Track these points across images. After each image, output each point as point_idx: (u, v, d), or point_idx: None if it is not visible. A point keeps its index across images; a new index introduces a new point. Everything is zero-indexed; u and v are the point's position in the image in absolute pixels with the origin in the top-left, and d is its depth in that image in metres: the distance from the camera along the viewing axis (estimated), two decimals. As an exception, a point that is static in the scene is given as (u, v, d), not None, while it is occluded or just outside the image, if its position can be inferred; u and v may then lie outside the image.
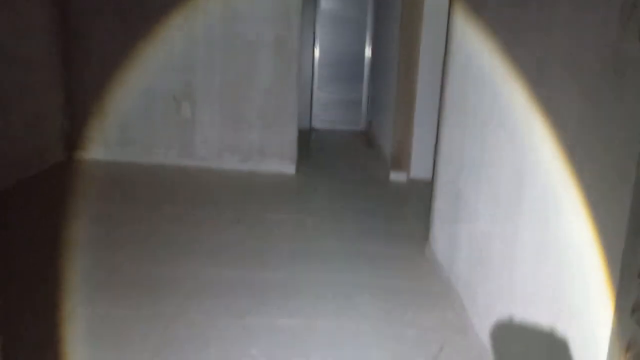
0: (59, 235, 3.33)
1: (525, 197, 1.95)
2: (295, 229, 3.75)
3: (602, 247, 1.43)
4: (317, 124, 7.79)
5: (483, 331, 2.31)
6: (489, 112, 2.40)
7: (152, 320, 2.46)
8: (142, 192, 4.36)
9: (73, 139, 5.07)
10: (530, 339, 1.85)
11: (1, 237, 3.20)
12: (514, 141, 2.10)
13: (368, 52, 7.55)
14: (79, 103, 5.05)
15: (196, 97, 5.06)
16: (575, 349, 1.54)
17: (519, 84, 2.06)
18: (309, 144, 6.92)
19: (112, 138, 5.11)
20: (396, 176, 5.13)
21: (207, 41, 4.94)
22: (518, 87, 2.07)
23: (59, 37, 4.85)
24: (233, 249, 3.32)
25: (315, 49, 7.53)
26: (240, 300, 2.70)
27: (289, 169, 5.15)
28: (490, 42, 2.41)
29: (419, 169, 5.07)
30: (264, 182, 4.87)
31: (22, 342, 2.21)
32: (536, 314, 1.82)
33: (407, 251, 3.48)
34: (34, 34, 4.53)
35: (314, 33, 7.47)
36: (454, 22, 3.03)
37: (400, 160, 5.14)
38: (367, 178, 5.30)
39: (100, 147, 5.11)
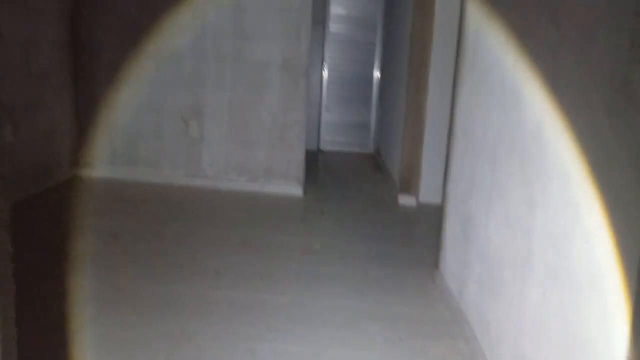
0: (65, 253, 3.30)
1: (537, 220, 1.91)
2: (302, 252, 3.70)
3: (619, 274, 1.38)
4: (325, 145, 7.78)
5: (495, 361, 2.24)
6: (498, 135, 2.36)
7: (158, 342, 2.42)
8: (149, 211, 4.33)
9: (81, 156, 5.08)
10: (545, 371, 1.79)
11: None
12: (524, 164, 2.06)
13: (377, 74, 7.57)
14: (87, 120, 5.06)
15: (204, 115, 5.06)
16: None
17: (529, 107, 2.03)
18: (317, 165, 6.90)
19: (119, 156, 5.11)
20: (405, 200, 5.08)
21: (216, 59, 4.96)
22: (528, 110, 2.04)
23: (69, 53, 4.89)
24: (239, 271, 3.28)
25: (323, 71, 7.56)
26: (246, 325, 2.64)
27: (296, 190, 5.12)
28: (501, 65, 2.39)
29: (428, 192, 5.02)
30: (270, 204, 4.84)
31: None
32: (548, 344, 1.76)
33: (416, 277, 3.42)
34: (46, 49, 4.57)
35: (322, 54, 7.52)
36: (464, 47, 3.02)
37: (409, 184, 5.10)
38: (375, 201, 5.25)
39: (107, 165, 5.11)
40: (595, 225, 1.52)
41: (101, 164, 5.11)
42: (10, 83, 4.11)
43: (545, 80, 1.92)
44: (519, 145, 2.14)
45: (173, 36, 4.93)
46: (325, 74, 7.59)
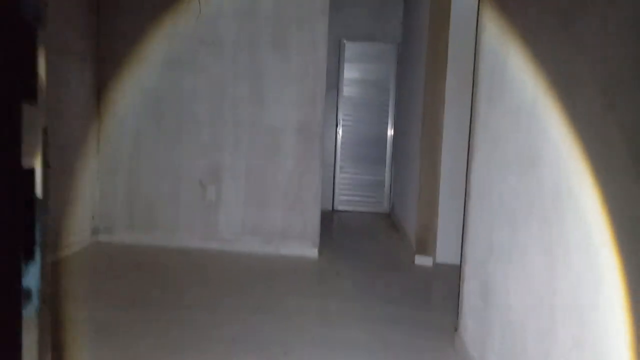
0: (80, 319, 3.29)
1: (559, 287, 1.87)
2: (317, 316, 3.65)
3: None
4: (340, 205, 7.80)
5: None
6: (516, 199, 2.36)
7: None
8: (166, 277, 4.33)
9: (99, 222, 5.15)
10: None
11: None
12: (542, 228, 2.04)
13: (390, 132, 7.67)
14: (106, 186, 5.16)
15: (222, 179, 5.13)
16: None
17: (546, 170, 2.04)
18: (332, 225, 6.90)
19: (136, 221, 5.17)
20: (421, 260, 5.03)
21: (234, 125, 5.08)
22: (546, 172, 2.04)
23: (93, 119, 5.05)
24: (255, 337, 3.23)
25: (337, 131, 7.68)
26: (261, 395, 2.58)
27: (312, 252, 5.10)
28: (514, 124, 2.41)
29: (445, 253, 4.97)
30: (286, 266, 4.81)
31: None
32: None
33: (435, 342, 3.33)
34: (73, 117, 4.72)
35: (336, 116, 7.66)
36: (477, 111, 3.07)
37: (426, 244, 5.06)
38: (392, 262, 5.20)
39: (126, 230, 5.16)
40: (619, 294, 1.49)
41: (119, 229, 5.17)
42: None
43: (565, 142, 1.93)
44: (537, 210, 2.13)
45: (192, 102, 5.08)
46: (339, 134, 7.71)
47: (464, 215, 3.26)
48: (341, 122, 7.68)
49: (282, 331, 3.35)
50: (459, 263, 3.50)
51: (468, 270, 3.16)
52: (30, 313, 0.96)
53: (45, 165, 1.03)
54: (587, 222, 1.70)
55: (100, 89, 5.10)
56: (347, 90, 7.68)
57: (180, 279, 4.31)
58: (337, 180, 7.75)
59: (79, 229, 4.88)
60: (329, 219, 7.09)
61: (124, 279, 4.21)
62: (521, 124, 2.34)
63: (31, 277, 0.96)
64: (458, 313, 3.29)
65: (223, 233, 5.15)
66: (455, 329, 3.31)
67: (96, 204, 5.13)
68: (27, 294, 0.95)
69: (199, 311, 3.60)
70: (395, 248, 5.75)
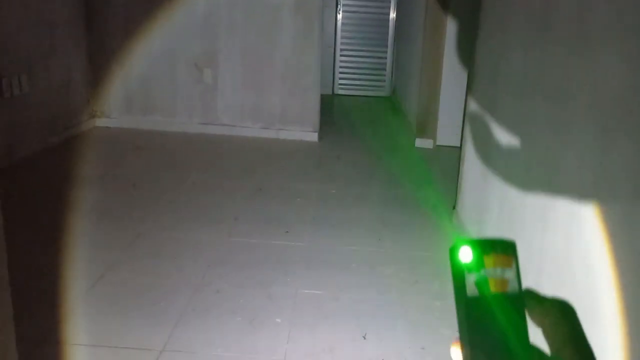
0: (83, 202, 3.34)
1: (563, 162, 1.85)
2: (318, 198, 3.70)
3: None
4: (340, 89, 7.66)
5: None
6: (523, 71, 2.27)
7: (178, 287, 2.45)
8: (165, 160, 4.34)
9: (97, 106, 5.06)
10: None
11: (29, 203, 3.22)
12: (547, 102, 1.98)
13: (393, 15, 7.34)
14: (101, 69, 5.01)
15: (218, 62, 4.98)
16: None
17: (557, 43, 1.94)
18: (332, 110, 6.82)
19: (134, 105, 5.09)
20: (422, 143, 5.01)
21: (228, 4, 4.83)
22: (557, 46, 1.94)
23: (82, 3, 4.80)
24: (255, 217, 3.29)
25: (338, 13, 7.34)
26: (264, 270, 2.67)
27: (312, 136, 5.07)
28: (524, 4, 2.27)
29: (445, 135, 4.95)
30: (286, 150, 4.81)
31: (43, 312, 2.22)
32: (572, 284, 1.74)
33: (433, 220, 3.40)
34: (63, 1, 4.49)
35: (336, -5, 7.28)
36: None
37: (426, 127, 5.02)
38: (392, 145, 5.19)
39: (123, 114, 5.09)
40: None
41: (117, 113, 5.10)
42: (24, 33, 4.05)
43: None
44: (544, 86, 2.06)
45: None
46: (339, 16, 7.38)
47: (466, 93, 3.18)
48: (341, 1, 7.31)
49: (283, 212, 3.40)
50: (459, 145, 3.48)
51: (468, 150, 3.14)
52: None
53: None
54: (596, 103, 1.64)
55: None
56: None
57: (180, 162, 4.32)
58: (337, 64, 7.53)
59: (75, 112, 4.80)
60: (329, 103, 6.99)
61: (123, 162, 4.22)
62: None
63: None
64: (457, 192, 3.32)
65: (222, 118, 5.09)
66: (454, 207, 3.36)
67: (90, 87, 5.00)
68: None
69: (200, 193, 3.64)
70: (395, 131, 5.71)
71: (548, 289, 1.85)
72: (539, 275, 1.98)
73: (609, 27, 1.57)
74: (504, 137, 2.49)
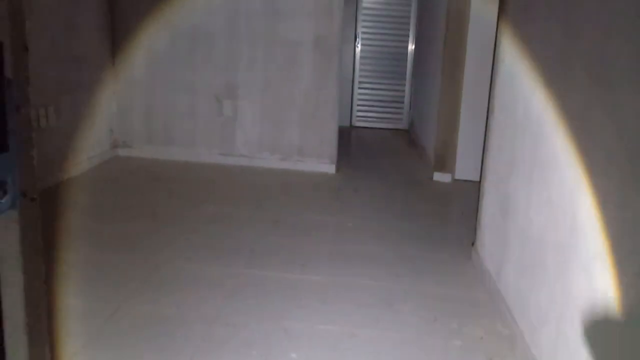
0: (102, 232, 3.37)
1: (581, 201, 1.83)
2: (335, 231, 3.68)
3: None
4: (358, 122, 7.70)
5: (534, 343, 2.19)
6: (541, 113, 2.27)
7: (194, 319, 2.44)
8: (184, 191, 4.37)
9: (118, 136, 5.15)
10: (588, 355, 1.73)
11: (47, 233, 3.25)
12: (567, 143, 1.97)
13: (411, 48, 7.41)
14: (125, 101, 5.12)
15: (238, 95, 5.05)
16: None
17: (577, 83, 1.93)
18: (350, 142, 6.84)
19: (155, 135, 5.17)
20: (440, 177, 4.99)
21: (249, 39, 4.92)
22: (577, 86, 1.94)
23: (108, 36, 4.94)
24: (272, 250, 3.28)
25: (356, 45, 7.44)
26: (280, 303, 2.65)
27: (329, 168, 5.08)
28: (540, 48, 2.28)
29: (464, 169, 4.92)
30: (303, 182, 4.82)
31: (59, 343, 2.22)
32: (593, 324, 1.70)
33: (452, 256, 3.36)
34: (87, 32, 4.62)
35: (355, 30, 7.38)
36: (504, 16, 2.90)
37: (445, 161, 5.00)
38: (410, 179, 5.18)
39: (143, 144, 5.17)
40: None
41: (138, 143, 5.18)
42: (53, 66, 4.17)
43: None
44: (563, 126, 2.05)
45: (206, 16, 4.91)
46: (358, 48, 7.47)
47: (486, 130, 3.18)
48: (360, 35, 7.41)
49: (300, 244, 3.39)
50: (477, 180, 3.46)
51: (488, 186, 3.12)
52: (5, 207, 0.89)
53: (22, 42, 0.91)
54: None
55: (112, 5, 4.94)
56: (366, 2, 7.35)
57: (198, 192, 4.35)
58: (355, 96, 7.59)
59: (98, 143, 4.89)
60: (347, 135, 7.02)
61: (142, 192, 4.26)
62: (554, 34, 2.20)
63: (3, 169, 0.86)
64: (476, 228, 3.29)
65: (240, 149, 5.14)
66: (473, 244, 3.32)
67: (114, 118, 5.11)
68: (1, 186, 0.87)
69: (217, 224, 3.65)
70: (413, 164, 5.71)
71: (571, 337, 1.81)
72: (562, 320, 1.94)
73: (630, 69, 1.57)
74: (524, 172, 2.48)
